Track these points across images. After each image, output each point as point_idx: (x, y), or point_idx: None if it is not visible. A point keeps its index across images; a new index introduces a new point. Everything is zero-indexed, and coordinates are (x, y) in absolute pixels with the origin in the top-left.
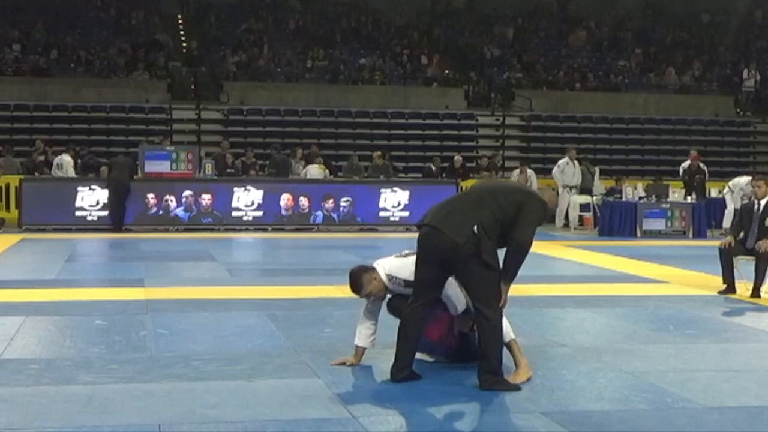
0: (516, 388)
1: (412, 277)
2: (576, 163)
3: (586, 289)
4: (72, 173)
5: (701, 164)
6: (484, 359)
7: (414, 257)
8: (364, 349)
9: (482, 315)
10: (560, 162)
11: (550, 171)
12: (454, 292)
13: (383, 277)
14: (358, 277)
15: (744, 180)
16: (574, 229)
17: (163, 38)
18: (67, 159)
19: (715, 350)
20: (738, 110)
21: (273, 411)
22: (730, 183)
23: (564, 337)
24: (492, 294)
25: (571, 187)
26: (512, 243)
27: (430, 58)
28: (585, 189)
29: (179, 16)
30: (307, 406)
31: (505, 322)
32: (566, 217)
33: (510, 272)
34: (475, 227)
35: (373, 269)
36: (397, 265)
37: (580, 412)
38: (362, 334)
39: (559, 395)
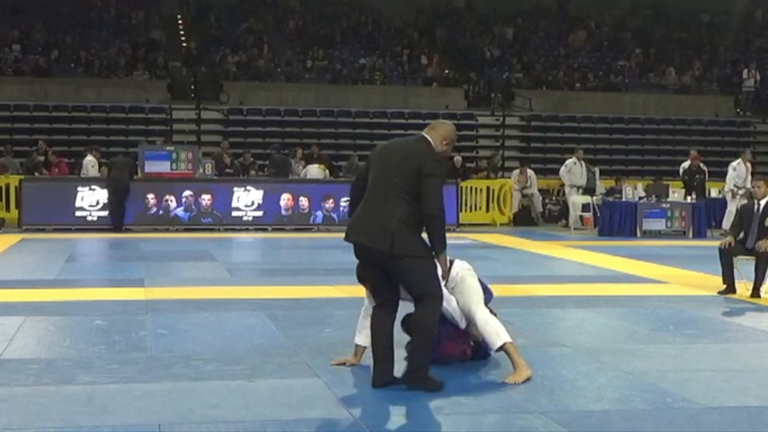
0: (438, 388)
1: None
2: (583, 163)
3: (586, 289)
4: (92, 173)
5: (701, 164)
6: (414, 353)
7: None
8: (365, 348)
9: (419, 307)
10: (567, 162)
11: (550, 171)
12: (452, 308)
13: None
14: None
15: (735, 162)
16: (574, 229)
17: (158, 35)
18: (88, 159)
19: (715, 350)
20: (738, 110)
21: (273, 411)
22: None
23: (564, 337)
24: (423, 286)
25: (578, 187)
26: (425, 218)
27: (430, 58)
28: (589, 189)
29: (179, 16)
30: (307, 406)
31: (499, 325)
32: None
33: (436, 245)
34: (394, 227)
35: None
36: None
37: (580, 412)
38: (363, 333)
39: (559, 395)
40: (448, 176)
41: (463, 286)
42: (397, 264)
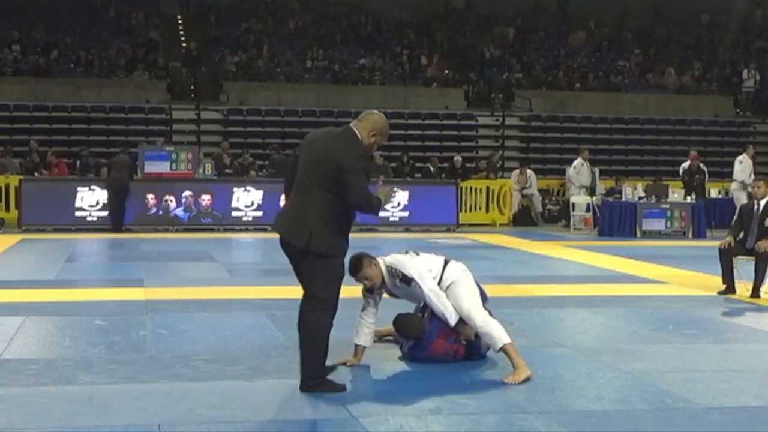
0: (341, 389)
1: (410, 273)
2: (587, 163)
3: (586, 289)
4: None
5: (701, 164)
6: (305, 360)
7: (423, 256)
8: (364, 348)
9: (306, 313)
10: (575, 163)
11: (550, 171)
12: (441, 303)
13: (382, 266)
14: (359, 259)
15: (740, 156)
16: (574, 229)
17: (158, 35)
18: None
19: (715, 350)
20: (738, 110)
21: (273, 411)
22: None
23: (564, 337)
24: (319, 287)
25: (585, 188)
26: (355, 209)
27: (430, 59)
28: (589, 189)
29: (179, 16)
30: (307, 406)
31: (498, 326)
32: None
33: (375, 213)
34: (314, 224)
35: (374, 257)
36: (398, 259)
37: (580, 412)
38: (361, 333)
39: (559, 395)
40: (448, 176)
41: (459, 288)
42: (311, 260)
